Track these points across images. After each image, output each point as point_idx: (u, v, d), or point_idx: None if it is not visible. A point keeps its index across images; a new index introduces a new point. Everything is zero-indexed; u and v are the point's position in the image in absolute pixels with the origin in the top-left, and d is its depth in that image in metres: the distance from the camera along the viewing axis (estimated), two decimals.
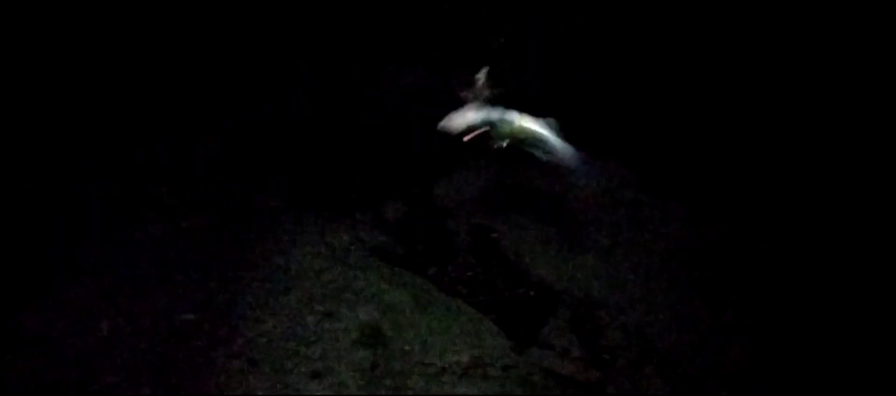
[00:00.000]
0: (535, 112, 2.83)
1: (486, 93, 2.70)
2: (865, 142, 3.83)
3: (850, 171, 3.79)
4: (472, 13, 4.57)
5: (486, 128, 2.70)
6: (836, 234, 3.55)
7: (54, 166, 3.83)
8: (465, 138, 2.74)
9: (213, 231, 3.55)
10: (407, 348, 3.21)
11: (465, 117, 2.73)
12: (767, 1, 4.16)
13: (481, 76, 2.61)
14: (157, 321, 3.09)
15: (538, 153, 2.78)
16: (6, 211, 3.49)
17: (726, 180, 4.00)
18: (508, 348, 3.35)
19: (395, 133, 4.53)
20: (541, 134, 2.73)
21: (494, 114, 2.71)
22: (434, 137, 2.91)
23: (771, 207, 3.74)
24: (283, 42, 4.64)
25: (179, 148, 4.15)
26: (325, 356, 3.03)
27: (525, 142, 2.82)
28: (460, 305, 3.48)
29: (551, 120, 2.80)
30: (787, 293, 3.35)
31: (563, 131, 2.81)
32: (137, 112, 4.27)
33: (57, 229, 3.49)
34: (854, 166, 3.80)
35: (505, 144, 2.68)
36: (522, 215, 4.03)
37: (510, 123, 2.76)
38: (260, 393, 2.84)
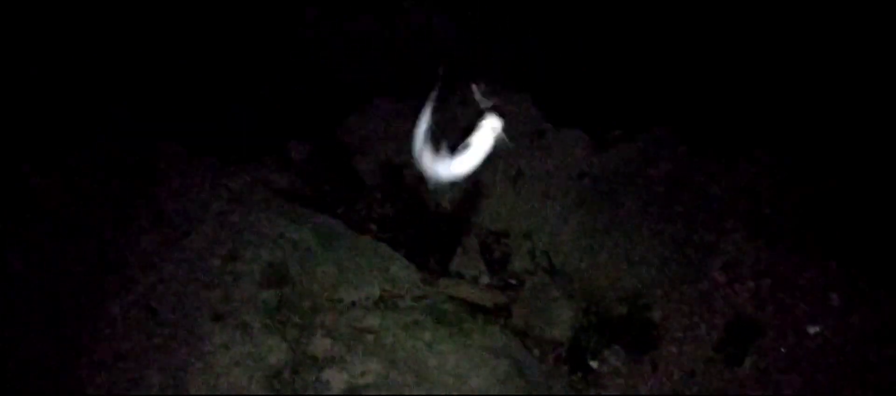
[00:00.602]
0: None
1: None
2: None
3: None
4: None
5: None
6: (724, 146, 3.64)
7: None
8: None
9: (102, 185, 3.35)
10: (315, 286, 3.17)
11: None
12: None
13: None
14: (49, 277, 2.93)
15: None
16: None
17: (627, 103, 4.06)
18: (419, 280, 3.36)
19: (312, 74, 4.40)
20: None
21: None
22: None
23: (668, 126, 3.82)
24: None
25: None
26: (227, 298, 2.95)
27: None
28: (369, 242, 3.45)
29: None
30: (684, 212, 3.45)
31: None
32: None
33: None
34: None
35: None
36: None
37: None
38: (158, 340, 2.75)
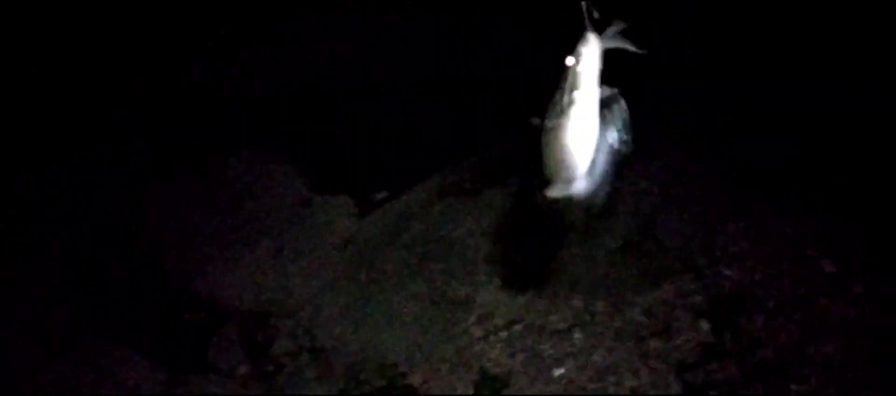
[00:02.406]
0: None
1: None
2: None
3: None
4: None
5: None
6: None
7: None
8: None
9: None
10: None
11: None
12: None
13: None
14: None
15: None
16: None
17: (393, 164, 4.05)
18: (166, 381, 3.09)
19: None
20: None
21: None
22: None
23: (429, 182, 3.83)
24: None
25: None
26: None
27: None
28: (103, 345, 3.15)
29: None
30: (440, 269, 3.44)
31: None
32: None
33: None
34: None
35: None
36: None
37: None
38: None
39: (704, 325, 2.90)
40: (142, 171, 4.09)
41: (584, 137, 1.95)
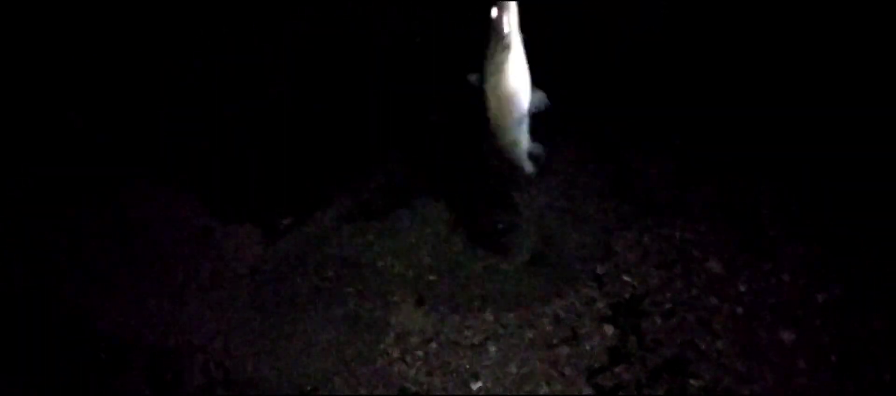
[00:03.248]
0: None
1: None
2: None
3: None
4: None
5: None
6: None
7: None
8: None
9: None
10: None
11: None
12: None
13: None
14: None
15: None
16: None
17: (298, 189, 4.02)
18: None
19: None
20: None
21: None
22: None
23: (335, 208, 3.83)
24: None
25: None
26: None
27: None
28: None
29: None
30: (354, 292, 3.46)
31: None
32: None
33: None
34: None
35: None
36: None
37: None
38: None
39: (609, 329, 3.09)
40: (27, 203, 3.84)
41: (525, 76, 2.11)
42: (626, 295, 3.25)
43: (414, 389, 3.02)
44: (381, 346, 3.22)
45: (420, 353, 3.15)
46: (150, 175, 4.10)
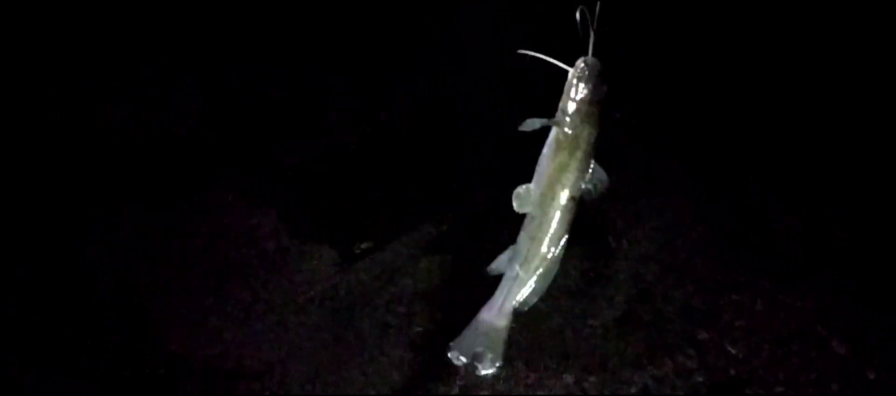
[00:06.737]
0: None
1: None
2: None
3: None
4: None
5: None
6: None
7: None
8: None
9: None
10: None
11: None
12: None
13: None
14: None
15: None
16: None
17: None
18: None
19: None
20: None
21: None
22: None
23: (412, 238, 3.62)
24: None
25: None
26: None
27: None
28: None
29: None
30: (422, 332, 3.21)
31: None
32: None
33: None
34: None
35: None
36: None
37: None
38: None
39: None
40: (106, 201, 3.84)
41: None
42: (731, 371, 2.80)
43: None
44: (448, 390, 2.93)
45: None
46: (234, 185, 4.02)
